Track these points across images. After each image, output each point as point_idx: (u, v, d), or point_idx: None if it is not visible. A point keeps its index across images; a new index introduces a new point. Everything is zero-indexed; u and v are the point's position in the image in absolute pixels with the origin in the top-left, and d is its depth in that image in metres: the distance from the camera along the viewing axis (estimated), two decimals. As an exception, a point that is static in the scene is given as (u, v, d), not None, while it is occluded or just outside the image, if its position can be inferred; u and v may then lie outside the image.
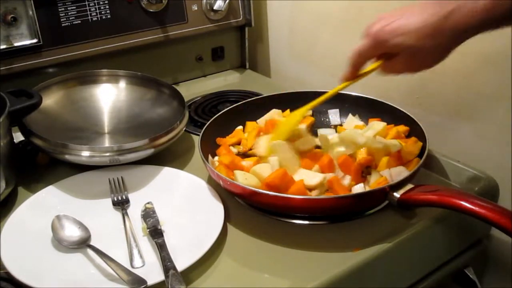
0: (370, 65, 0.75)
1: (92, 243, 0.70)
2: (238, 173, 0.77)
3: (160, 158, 0.89)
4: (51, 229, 0.72)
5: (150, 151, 0.85)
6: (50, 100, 0.95)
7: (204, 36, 1.23)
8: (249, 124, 0.93)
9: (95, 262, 0.68)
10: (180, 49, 1.21)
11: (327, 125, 0.96)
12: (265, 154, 0.80)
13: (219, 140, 0.90)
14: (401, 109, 0.89)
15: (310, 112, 0.97)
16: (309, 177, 0.75)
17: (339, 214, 0.75)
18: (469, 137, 0.92)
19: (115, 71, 1.03)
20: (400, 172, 0.75)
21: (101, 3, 1.06)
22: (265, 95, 1.02)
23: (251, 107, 0.95)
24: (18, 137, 0.87)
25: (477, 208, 0.61)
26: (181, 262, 0.64)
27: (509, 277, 0.92)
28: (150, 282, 0.62)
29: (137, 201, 0.80)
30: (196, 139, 0.92)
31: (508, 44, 0.79)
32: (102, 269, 0.66)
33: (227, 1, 1.18)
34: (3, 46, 0.96)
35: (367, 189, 0.75)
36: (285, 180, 0.73)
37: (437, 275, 0.79)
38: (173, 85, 1.03)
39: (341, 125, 0.95)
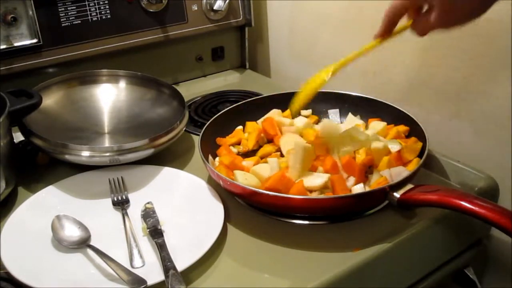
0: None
1: (92, 243, 0.70)
2: (238, 173, 0.77)
3: (160, 158, 0.89)
4: (51, 229, 0.72)
5: (150, 151, 0.85)
6: (50, 100, 0.95)
7: (204, 36, 1.23)
8: (249, 124, 0.93)
9: (95, 262, 0.68)
10: (180, 49, 1.21)
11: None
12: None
13: (219, 140, 0.90)
14: (401, 109, 0.89)
15: (310, 111, 0.97)
16: (312, 178, 0.75)
17: (339, 214, 0.75)
18: (469, 137, 0.92)
19: (115, 71, 1.03)
20: (400, 172, 0.75)
21: (101, 3, 1.06)
22: (265, 95, 1.02)
23: (251, 107, 0.95)
24: (18, 137, 0.87)
25: (477, 208, 0.61)
26: (181, 262, 0.64)
27: (509, 277, 0.92)
28: (150, 282, 0.62)
29: (137, 201, 0.80)
30: (196, 139, 0.92)
31: (508, 44, 0.79)
32: (102, 269, 0.66)
33: (227, 1, 1.18)
34: (3, 46, 0.96)
35: (367, 189, 0.75)
36: (283, 182, 0.73)
37: (437, 275, 0.79)
38: (173, 85, 1.03)
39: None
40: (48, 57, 1.02)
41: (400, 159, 0.79)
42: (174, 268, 0.63)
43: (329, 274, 0.64)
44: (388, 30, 0.74)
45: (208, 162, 0.78)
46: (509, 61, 0.81)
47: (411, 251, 0.73)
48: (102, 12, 1.07)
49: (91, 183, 0.83)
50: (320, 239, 0.71)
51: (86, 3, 1.05)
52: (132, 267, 0.66)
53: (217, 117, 0.91)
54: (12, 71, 0.99)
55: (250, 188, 0.71)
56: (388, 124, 0.88)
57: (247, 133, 0.92)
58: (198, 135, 0.85)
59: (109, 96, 1.01)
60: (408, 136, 0.86)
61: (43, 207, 0.77)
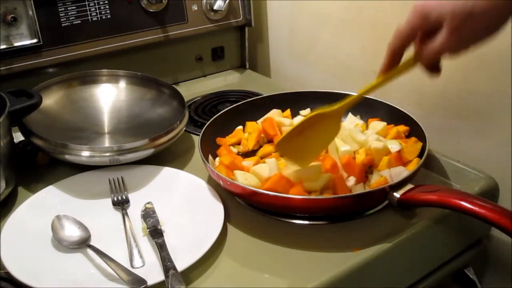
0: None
1: (92, 243, 0.70)
2: (238, 173, 0.77)
3: (160, 158, 0.89)
4: (51, 229, 0.72)
5: (150, 151, 0.85)
6: (50, 100, 0.95)
7: (204, 36, 1.23)
8: (249, 124, 0.93)
9: (95, 262, 0.68)
10: (180, 49, 1.21)
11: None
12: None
13: (219, 140, 0.90)
14: (401, 109, 0.89)
15: (309, 111, 0.97)
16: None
17: (339, 214, 0.75)
18: (469, 137, 0.92)
19: (115, 71, 1.03)
20: (400, 172, 0.75)
21: (101, 3, 1.06)
22: (265, 95, 1.02)
23: (251, 107, 0.95)
24: (18, 137, 0.87)
25: (477, 208, 0.61)
26: (181, 262, 0.64)
27: (509, 277, 0.92)
28: (150, 282, 0.62)
29: (137, 201, 0.80)
30: (196, 139, 0.92)
31: (508, 44, 0.79)
32: (102, 269, 0.66)
33: (227, 1, 1.18)
34: (3, 46, 0.96)
35: (367, 189, 0.75)
36: (282, 183, 0.73)
37: (437, 275, 0.79)
38: (173, 85, 1.03)
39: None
40: (48, 57, 1.02)
41: (400, 159, 0.79)
42: (174, 268, 0.63)
43: (329, 274, 0.64)
44: (392, 63, 0.66)
45: (208, 162, 0.78)
46: (509, 61, 0.81)
47: (411, 251, 0.73)
48: (102, 12, 1.07)
49: (91, 183, 0.83)
50: (320, 239, 0.71)
51: (86, 3, 1.05)
52: (132, 267, 0.66)
53: (217, 117, 0.91)
54: (12, 71, 0.99)
55: (250, 188, 0.71)
56: (388, 124, 0.88)
57: (247, 133, 0.92)
58: (198, 135, 0.85)
59: (109, 96, 1.01)
60: (408, 136, 0.86)
61: (43, 207, 0.77)
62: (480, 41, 0.61)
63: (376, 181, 0.75)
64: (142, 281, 0.62)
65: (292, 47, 1.29)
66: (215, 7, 1.19)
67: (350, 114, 0.94)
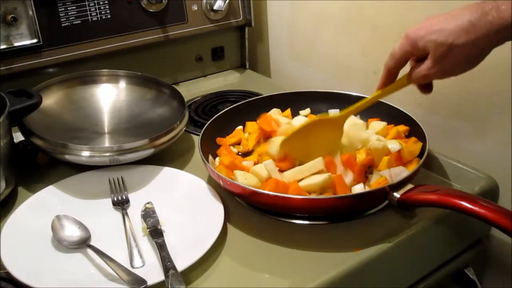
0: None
1: (92, 243, 0.70)
2: (238, 173, 0.77)
3: (160, 158, 0.89)
4: (51, 229, 0.72)
5: (150, 151, 0.85)
6: (50, 100, 0.95)
7: (204, 36, 1.23)
8: (249, 124, 0.93)
9: (95, 262, 0.68)
10: (180, 49, 1.21)
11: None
12: (277, 154, 0.80)
13: (219, 140, 0.90)
14: (401, 109, 0.89)
15: (309, 110, 0.97)
16: (312, 177, 0.75)
17: (339, 214, 0.75)
18: (469, 137, 0.92)
19: (115, 71, 1.03)
20: (400, 172, 0.75)
21: (101, 3, 1.06)
22: (265, 95, 1.02)
23: (251, 107, 0.95)
24: (18, 137, 0.87)
25: (477, 208, 0.61)
26: (181, 262, 0.64)
27: (509, 277, 0.92)
28: (150, 282, 0.62)
29: (137, 201, 0.80)
30: (196, 139, 0.92)
31: (508, 45, 0.79)
32: (102, 269, 0.66)
33: (227, 1, 1.18)
34: (3, 46, 0.96)
35: (367, 189, 0.75)
36: (279, 187, 0.73)
37: (437, 275, 0.79)
38: (173, 85, 1.03)
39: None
40: (48, 57, 1.02)
41: (400, 159, 0.79)
42: (174, 268, 0.63)
43: (329, 274, 0.64)
44: (389, 80, 0.74)
45: (208, 162, 0.78)
46: (509, 61, 0.81)
47: (411, 251, 0.73)
48: (102, 12, 1.07)
49: (91, 183, 0.83)
50: (320, 239, 0.71)
51: (86, 3, 1.05)
52: (132, 267, 0.66)
53: (217, 117, 0.91)
54: (12, 71, 0.99)
55: (250, 188, 0.71)
56: (388, 124, 0.88)
57: (247, 133, 0.92)
58: (198, 135, 0.85)
59: (109, 96, 1.01)
60: (408, 136, 0.86)
61: (43, 207, 0.77)
62: (463, 71, 0.66)
63: (376, 181, 0.75)
64: (142, 281, 0.62)
65: (292, 47, 1.29)
66: (215, 7, 1.19)
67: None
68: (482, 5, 0.60)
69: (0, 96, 0.81)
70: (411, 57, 0.70)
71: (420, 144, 0.81)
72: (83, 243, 0.70)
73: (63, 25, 1.03)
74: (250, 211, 0.77)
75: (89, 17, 1.06)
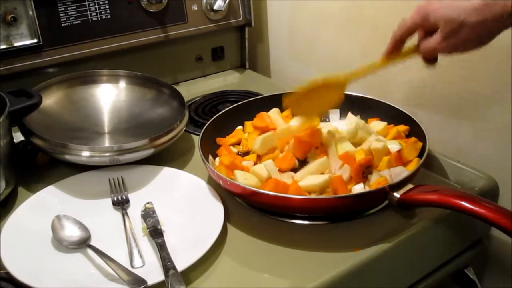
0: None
1: (92, 243, 0.70)
2: (238, 173, 0.77)
3: (160, 158, 0.89)
4: (51, 229, 0.72)
5: (150, 151, 0.85)
6: (50, 100, 0.95)
7: (204, 36, 1.23)
8: (249, 124, 0.93)
9: (95, 262, 0.68)
10: (180, 49, 1.21)
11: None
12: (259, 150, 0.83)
13: (219, 140, 0.90)
14: (401, 109, 0.89)
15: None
16: (312, 177, 0.75)
17: (339, 214, 0.75)
18: (469, 137, 0.92)
19: (115, 71, 1.03)
20: (400, 172, 0.75)
21: (101, 3, 1.06)
22: (265, 95, 1.02)
23: (251, 107, 0.95)
24: (18, 137, 0.87)
25: (477, 208, 0.61)
26: (181, 262, 0.64)
27: (509, 277, 0.92)
28: (150, 282, 0.62)
29: (137, 201, 0.80)
30: (196, 139, 0.92)
31: (508, 45, 0.79)
32: (102, 269, 0.66)
33: (227, 1, 1.18)
34: (3, 46, 0.96)
35: (367, 189, 0.75)
36: (279, 187, 0.73)
37: (437, 275, 0.79)
38: (173, 85, 1.03)
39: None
40: (48, 57, 1.02)
41: (400, 159, 0.79)
42: (174, 268, 0.63)
43: (329, 274, 0.64)
44: (395, 48, 0.74)
45: (208, 162, 0.78)
46: (509, 61, 0.81)
47: (411, 251, 0.73)
48: (102, 12, 1.07)
49: (91, 183, 0.83)
50: (320, 239, 0.71)
51: (86, 3, 1.05)
52: (132, 267, 0.66)
53: (217, 117, 0.91)
54: (12, 71, 0.99)
55: (250, 188, 0.71)
56: (388, 124, 0.88)
57: (247, 133, 0.92)
58: (198, 135, 0.85)
59: (109, 96, 1.01)
60: (408, 136, 0.86)
61: (43, 207, 0.77)
62: (471, 50, 0.66)
63: (376, 181, 0.75)
64: (142, 281, 0.62)
65: (292, 47, 1.29)
66: (215, 7, 1.19)
67: (350, 114, 0.94)
68: None
69: (0, 96, 0.81)
70: (419, 29, 0.70)
71: (420, 144, 0.81)
72: (83, 243, 0.70)
73: (63, 25, 1.03)
74: (250, 211, 0.77)
75: (89, 17, 1.06)
